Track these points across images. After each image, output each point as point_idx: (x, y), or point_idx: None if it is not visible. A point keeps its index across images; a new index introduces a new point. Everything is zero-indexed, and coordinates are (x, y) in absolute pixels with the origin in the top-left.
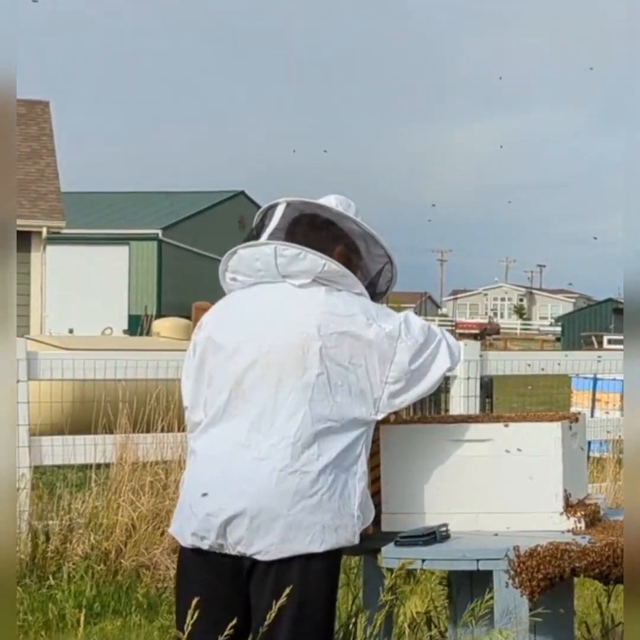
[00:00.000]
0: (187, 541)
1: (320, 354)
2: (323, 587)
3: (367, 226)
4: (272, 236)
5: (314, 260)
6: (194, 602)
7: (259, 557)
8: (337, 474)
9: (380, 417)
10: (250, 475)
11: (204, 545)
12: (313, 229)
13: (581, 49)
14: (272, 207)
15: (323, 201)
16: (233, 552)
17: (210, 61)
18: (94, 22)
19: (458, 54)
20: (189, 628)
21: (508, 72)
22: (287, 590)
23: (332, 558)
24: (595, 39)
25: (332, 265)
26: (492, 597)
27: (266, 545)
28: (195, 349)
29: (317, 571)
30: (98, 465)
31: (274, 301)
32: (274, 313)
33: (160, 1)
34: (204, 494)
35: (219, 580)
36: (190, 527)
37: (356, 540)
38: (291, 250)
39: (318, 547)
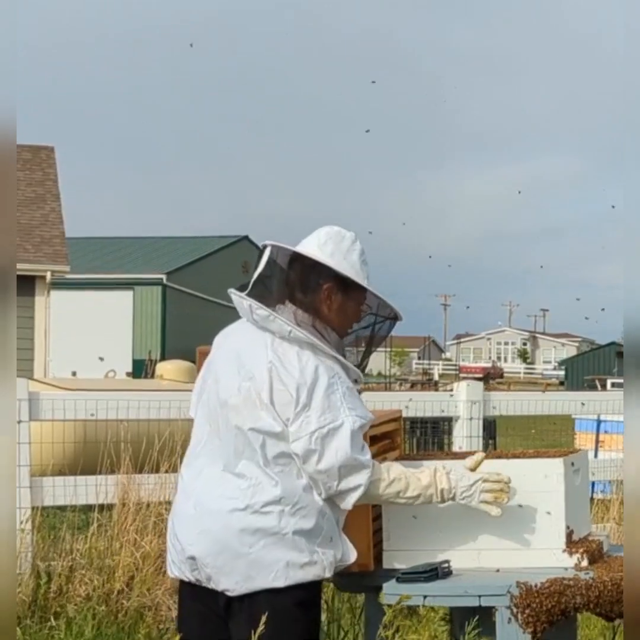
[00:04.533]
0: (172, 571)
1: (271, 404)
2: (294, 622)
3: (344, 270)
4: (256, 282)
5: (281, 325)
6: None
7: (228, 594)
8: (300, 514)
9: None
10: (215, 513)
11: (184, 577)
12: (304, 268)
13: (583, 98)
14: (262, 251)
15: (312, 237)
16: (209, 587)
17: (215, 106)
18: (99, 69)
19: (465, 104)
20: None
21: (513, 121)
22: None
23: (303, 592)
24: (597, 86)
25: (297, 333)
26: (477, 629)
27: (231, 583)
28: (204, 369)
29: (286, 606)
30: (101, 507)
31: (251, 345)
32: (246, 358)
33: (165, 48)
34: (180, 527)
35: (207, 610)
36: (172, 556)
37: (326, 574)
38: (262, 311)
39: (282, 583)
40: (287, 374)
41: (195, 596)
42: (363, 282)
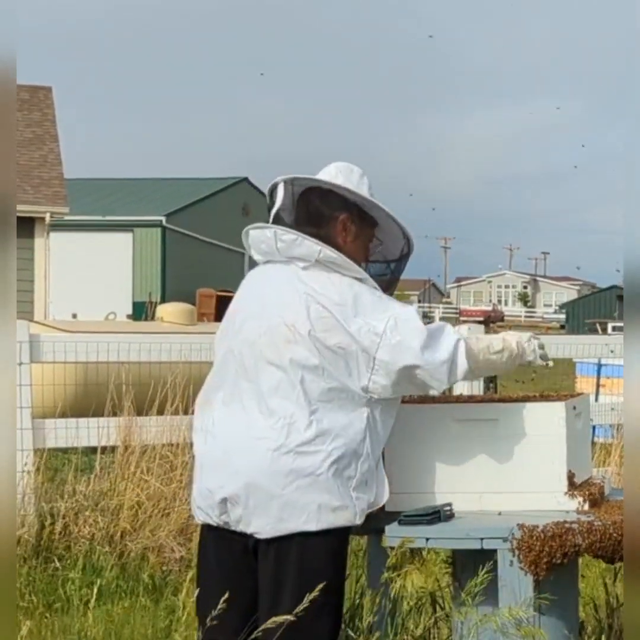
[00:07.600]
0: (198, 517)
1: (310, 336)
2: (323, 566)
3: (361, 193)
4: (277, 216)
5: (310, 246)
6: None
7: (257, 536)
8: (336, 454)
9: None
10: (247, 454)
11: (212, 522)
12: (317, 200)
13: (584, 39)
14: (275, 187)
15: (322, 172)
16: (237, 530)
17: (215, 46)
18: (97, 8)
19: (464, 45)
20: (209, 609)
21: (514, 62)
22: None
23: (333, 538)
24: (598, 29)
25: (328, 252)
26: (488, 574)
27: (262, 525)
28: (225, 320)
29: (316, 550)
30: (103, 449)
31: (276, 282)
32: (273, 294)
33: None
34: (208, 471)
35: (231, 556)
36: (198, 502)
37: (357, 521)
38: (289, 235)
39: (314, 526)
40: (327, 300)
41: (219, 542)
42: (379, 204)
